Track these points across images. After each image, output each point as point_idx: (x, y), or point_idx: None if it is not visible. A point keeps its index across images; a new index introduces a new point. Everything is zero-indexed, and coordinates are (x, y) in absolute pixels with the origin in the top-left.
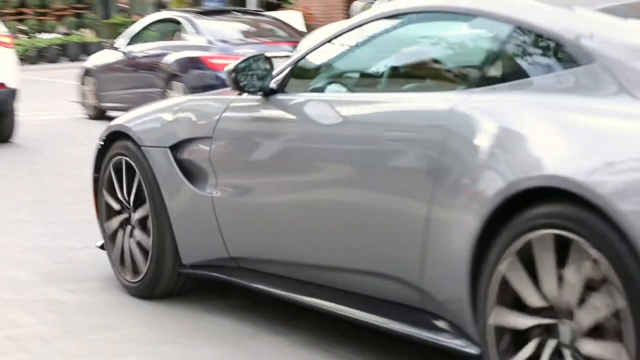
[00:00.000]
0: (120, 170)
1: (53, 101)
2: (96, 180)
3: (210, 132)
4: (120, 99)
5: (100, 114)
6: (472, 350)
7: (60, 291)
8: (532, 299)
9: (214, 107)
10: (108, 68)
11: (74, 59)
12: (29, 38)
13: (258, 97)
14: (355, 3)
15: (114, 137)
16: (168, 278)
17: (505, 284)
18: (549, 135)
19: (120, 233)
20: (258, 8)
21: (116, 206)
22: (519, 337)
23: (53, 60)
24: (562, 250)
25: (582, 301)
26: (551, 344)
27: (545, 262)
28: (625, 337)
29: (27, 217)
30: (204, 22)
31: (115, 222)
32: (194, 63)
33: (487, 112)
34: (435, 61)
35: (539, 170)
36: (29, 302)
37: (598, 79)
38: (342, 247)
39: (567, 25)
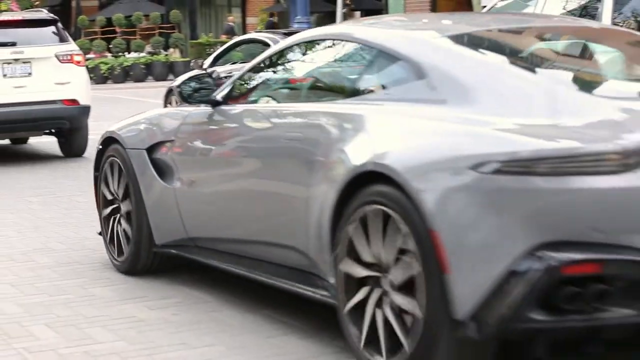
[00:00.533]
0: (112, 168)
1: None
2: (96, 178)
3: (174, 136)
4: None
5: None
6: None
7: (140, 308)
8: (366, 255)
9: (178, 116)
10: None
11: (159, 78)
12: (115, 57)
13: (208, 107)
14: None
15: (109, 141)
16: (145, 256)
17: (351, 242)
18: (383, 132)
19: (111, 219)
20: None
21: (109, 197)
22: (359, 285)
23: (139, 79)
24: (387, 221)
25: (396, 262)
26: (377, 292)
27: (375, 229)
28: (418, 288)
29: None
30: None
31: (108, 210)
32: None
33: (348, 115)
34: (325, 78)
35: (370, 158)
36: (108, 319)
37: (429, 90)
38: (258, 225)
39: (412, 48)
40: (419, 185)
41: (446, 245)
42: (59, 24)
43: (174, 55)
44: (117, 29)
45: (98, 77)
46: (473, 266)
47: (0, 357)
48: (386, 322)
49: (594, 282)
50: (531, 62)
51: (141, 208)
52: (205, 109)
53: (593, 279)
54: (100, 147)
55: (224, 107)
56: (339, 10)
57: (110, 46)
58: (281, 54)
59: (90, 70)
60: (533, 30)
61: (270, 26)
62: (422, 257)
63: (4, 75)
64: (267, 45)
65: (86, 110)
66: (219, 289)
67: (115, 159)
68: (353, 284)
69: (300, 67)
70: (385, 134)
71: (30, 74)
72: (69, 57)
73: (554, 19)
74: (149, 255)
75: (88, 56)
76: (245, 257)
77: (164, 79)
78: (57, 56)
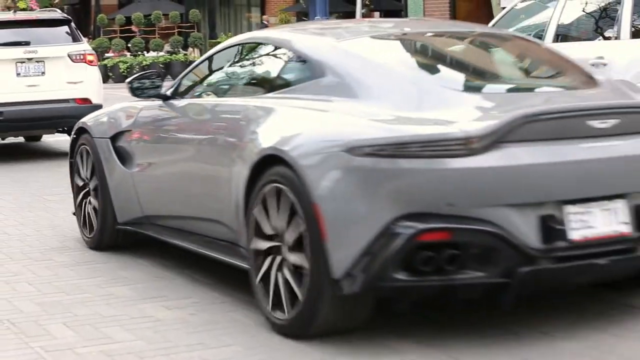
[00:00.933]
0: (82, 155)
1: None
2: (71, 164)
3: (132, 127)
4: None
5: None
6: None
7: (157, 308)
8: (267, 229)
9: (136, 108)
10: None
11: (175, 78)
12: (134, 56)
13: (159, 101)
14: None
15: (80, 131)
16: (109, 233)
17: (257, 223)
18: (283, 122)
19: (83, 202)
20: None
21: (80, 183)
22: (265, 256)
23: None
24: (280, 195)
25: (288, 226)
26: (278, 259)
27: (272, 204)
28: (305, 249)
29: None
30: None
31: (80, 192)
32: None
33: (260, 108)
34: (248, 76)
35: (270, 143)
36: (126, 318)
37: (325, 87)
38: (194, 203)
39: (315, 51)
40: (304, 165)
41: (324, 216)
42: (72, 24)
43: (193, 54)
44: (134, 28)
45: (117, 76)
46: (346, 234)
47: (18, 356)
48: (286, 282)
49: (446, 248)
50: (411, 63)
51: (106, 190)
52: (156, 102)
53: (445, 245)
54: (74, 136)
55: (171, 101)
56: (358, 10)
57: (129, 45)
58: (217, 55)
59: (109, 69)
60: (422, 35)
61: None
62: (307, 223)
63: (18, 74)
64: None
65: (98, 109)
66: (236, 289)
67: (85, 146)
68: (261, 257)
69: (231, 66)
70: (285, 123)
71: (43, 73)
72: (81, 57)
73: (446, 25)
74: (113, 232)
75: (107, 55)
76: (187, 232)
77: None
78: (69, 55)
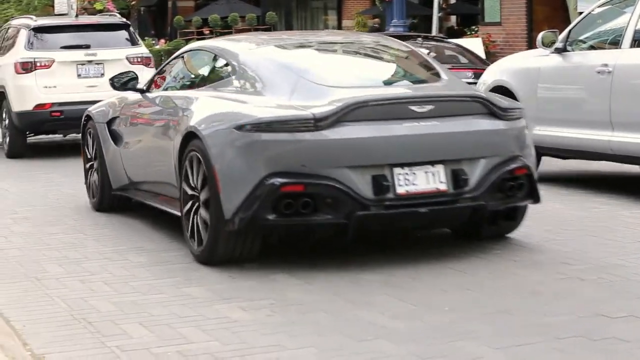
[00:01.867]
0: (88, 137)
1: None
2: (83, 145)
3: (119, 113)
4: None
5: None
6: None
7: (233, 308)
8: (192, 182)
9: (122, 99)
10: None
11: None
12: None
13: (137, 94)
14: (542, 33)
15: (87, 118)
16: (108, 197)
17: (186, 172)
18: (202, 107)
19: (88, 173)
20: (440, 34)
21: (88, 156)
22: (188, 199)
23: None
24: (198, 161)
25: (202, 188)
26: (195, 205)
27: (194, 167)
28: (210, 207)
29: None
30: None
31: (87, 165)
32: None
33: (191, 98)
34: (192, 74)
35: (191, 123)
36: (202, 319)
37: (237, 82)
38: (155, 170)
39: (233, 55)
40: (208, 138)
41: (219, 175)
42: (131, 29)
43: None
44: (205, 31)
45: None
46: (233, 187)
47: (94, 355)
48: (198, 225)
49: (301, 197)
50: (296, 66)
51: (103, 164)
52: (135, 94)
53: (301, 195)
54: (84, 122)
55: (146, 94)
56: (435, 14)
57: None
58: (177, 58)
59: None
60: (311, 44)
61: (375, 31)
62: (209, 180)
63: (78, 76)
64: None
65: None
66: (313, 290)
67: (90, 130)
68: (187, 198)
69: (183, 67)
70: (202, 109)
71: (102, 74)
72: (139, 59)
73: (337, 36)
74: (109, 197)
75: None
76: (153, 193)
77: None
78: (127, 58)
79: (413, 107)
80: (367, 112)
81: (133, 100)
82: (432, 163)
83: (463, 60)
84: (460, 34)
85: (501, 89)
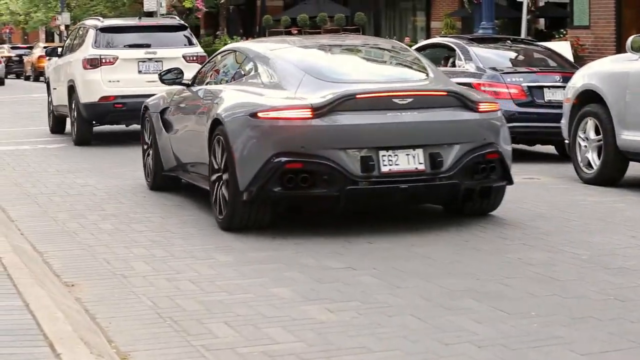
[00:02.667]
0: (145, 125)
1: None
2: (142, 132)
3: (169, 104)
4: None
5: None
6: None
7: (320, 310)
8: (215, 163)
9: (172, 91)
10: None
11: None
12: None
13: (184, 87)
14: (631, 37)
15: (145, 109)
16: (160, 178)
17: (214, 153)
18: (227, 99)
19: (144, 155)
20: (529, 37)
21: (146, 142)
22: (215, 173)
23: None
24: (220, 144)
25: (225, 169)
26: (220, 183)
27: (218, 149)
28: (229, 184)
29: (287, 233)
30: (475, 49)
31: (145, 149)
32: None
33: (219, 91)
34: (224, 72)
35: (217, 111)
36: (288, 319)
37: (257, 78)
38: (195, 152)
39: (256, 56)
40: (228, 124)
41: (235, 154)
42: (188, 30)
43: None
44: (293, 30)
45: None
46: (246, 164)
47: (180, 354)
48: (222, 196)
49: (301, 173)
50: (306, 65)
51: (157, 148)
52: (182, 88)
53: (300, 172)
54: (142, 112)
55: (191, 87)
56: (524, 16)
57: None
58: (215, 57)
59: None
60: (321, 46)
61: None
62: (229, 160)
63: (139, 72)
64: (452, 50)
65: None
66: (400, 293)
67: (147, 118)
68: (213, 171)
69: (218, 65)
70: (227, 99)
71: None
72: (194, 58)
73: (354, 40)
74: (161, 177)
75: None
76: (196, 174)
77: None
78: (184, 56)
79: (395, 100)
80: (357, 104)
81: (180, 93)
82: (413, 147)
83: (552, 63)
84: (548, 37)
85: (590, 93)
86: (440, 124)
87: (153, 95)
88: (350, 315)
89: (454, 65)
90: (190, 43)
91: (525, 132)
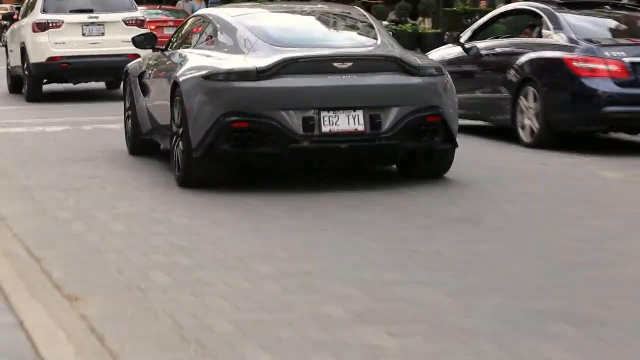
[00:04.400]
0: (126, 88)
1: None
2: (124, 97)
3: (146, 68)
4: (462, 105)
5: None
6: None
7: (379, 334)
8: (174, 126)
9: (147, 56)
10: (448, 66)
11: None
12: None
13: (159, 52)
14: None
15: (127, 73)
16: (138, 141)
17: (172, 114)
18: (189, 63)
19: (127, 120)
20: (632, 2)
21: (127, 106)
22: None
23: None
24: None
25: (180, 125)
26: (177, 140)
27: (176, 109)
28: (182, 139)
29: (329, 243)
30: (567, 17)
31: (126, 114)
32: (554, 65)
33: (183, 55)
34: (193, 37)
35: (177, 74)
36: (341, 345)
37: (217, 42)
38: (163, 115)
39: (217, 20)
40: (185, 86)
41: (189, 114)
42: None
43: (423, 25)
44: None
45: None
46: (198, 123)
47: None
48: (179, 154)
49: (247, 132)
50: (259, 29)
51: (135, 113)
52: (158, 53)
53: (246, 130)
54: (124, 75)
55: (165, 52)
56: None
57: None
58: (188, 22)
59: None
60: (292, 11)
61: None
62: (183, 119)
63: (83, 35)
64: (539, 17)
65: None
66: (475, 315)
67: (128, 83)
68: (173, 134)
69: (189, 30)
70: (186, 63)
71: (103, 34)
72: (133, 21)
73: (307, 5)
74: (140, 142)
75: None
76: (165, 135)
77: None
78: (124, 21)
79: (336, 64)
80: (299, 67)
81: (155, 58)
82: (354, 109)
83: None
84: None
85: None
86: (379, 88)
87: (97, 57)
88: (416, 341)
89: (540, 35)
90: (131, 8)
91: (628, 117)
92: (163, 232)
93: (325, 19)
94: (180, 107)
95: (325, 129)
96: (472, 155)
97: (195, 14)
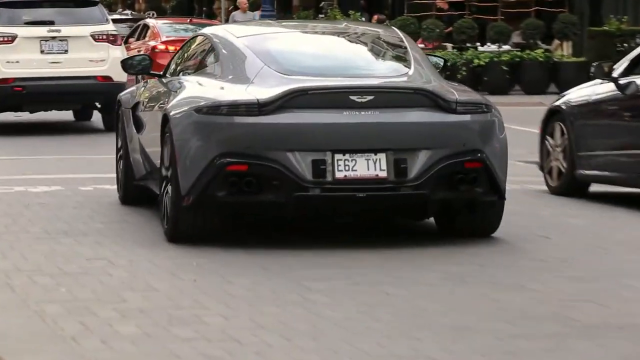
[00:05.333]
0: (119, 119)
1: None
2: (116, 134)
3: (140, 98)
4: (612, 164)
5: (568, 187)
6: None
7: None
8: (164, 169)
9: (141, 84)
10: (594, 111)
11: (532, 89)
12: (459, 50)
13: (155, 79)
14: None
15: (119, 103)
16: (131, 187)
17: (162, 155)
18: (181, 93)
19: (118, 163)
20: None
21: (119, 145)
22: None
23: (497, 88)
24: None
25: (168, 168)
26: (166, 187)
27: (165, 148)
28: (171, 185)
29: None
30: None
31: (118, 155)
32: None
33: (185, 81)
34: (192, 61)
35: (167, 106)
36: None
37: (215, 69)
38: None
39: (218, 44)
40: (173, 121)
41: (178, 154)
42: (100, 5)
43: (560, 50)
44: (440, 4)
45: None
46: (189, 165)
47: None
48: (167, 203)
49: (245, 177)
50: (267, 54)
51: (127, 153)
52: (154, 80)
53: (245, 174)
54: (117, 106)
55: (162, 79)
56: None
57: (453, 29)
58: (188, 43)
59: None
60: (306, 31)
61: None
62: (172, 160)
63: (42, 52)
64: None
65: (121, 87)
66: None
67: (119, 116)
68: (162, 179)
69: (189, 52)
70: (179, 93)
71: (66, 51)
72: (104, 37)
73: (317, 26)
74: (133, 188)
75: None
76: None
77: (542, 92)
78: (92, 35)
79: (353, 97)
80: (309, 100)
81: (151, 85)
82: (374, 151)
83: None
84: None
85: None
86: (405, 126)
87: (59, 78)
88: None
89: None
90: (101, 21)
91: None
92: (191, 336)
93: (349, 42)
94: (169, 146)
95: (340, 174)
96: None
97: (199, 32)
